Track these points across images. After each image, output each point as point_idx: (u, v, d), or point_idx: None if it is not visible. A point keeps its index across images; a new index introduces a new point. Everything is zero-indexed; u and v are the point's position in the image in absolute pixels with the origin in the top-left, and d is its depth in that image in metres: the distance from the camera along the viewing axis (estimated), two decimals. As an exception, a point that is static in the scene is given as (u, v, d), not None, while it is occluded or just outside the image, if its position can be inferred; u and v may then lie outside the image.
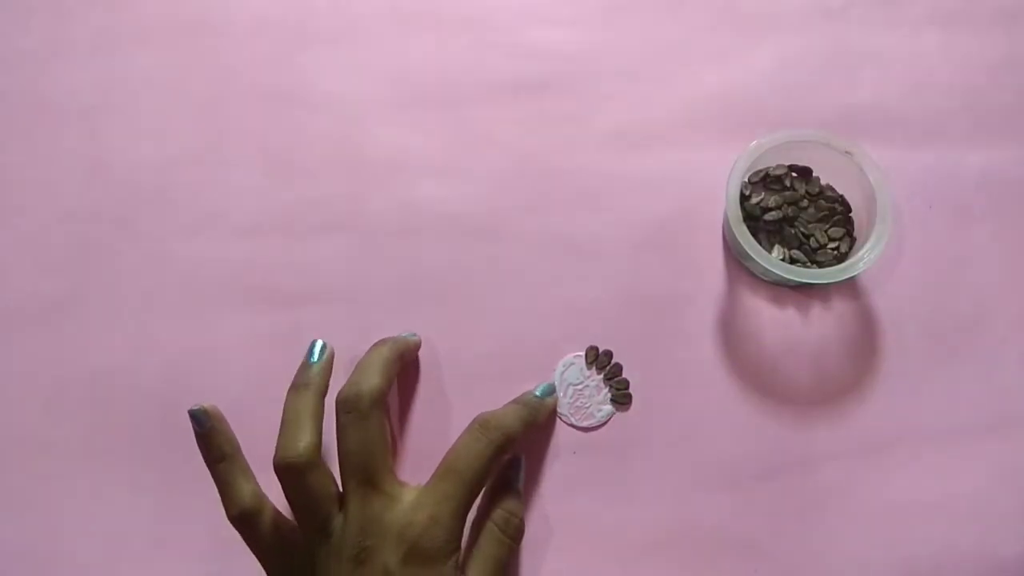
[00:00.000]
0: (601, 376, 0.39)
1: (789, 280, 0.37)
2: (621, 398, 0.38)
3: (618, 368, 0.39)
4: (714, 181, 0.42)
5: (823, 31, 0.45)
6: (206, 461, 0.33)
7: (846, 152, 0.38)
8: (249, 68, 0.45)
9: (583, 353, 0.39)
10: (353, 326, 0.40)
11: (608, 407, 0.38)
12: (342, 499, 0.32)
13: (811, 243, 0.39)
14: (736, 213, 0.36)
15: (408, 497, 0.33)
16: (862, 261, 0.36)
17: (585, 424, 0.38)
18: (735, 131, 0.43)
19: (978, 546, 0.36)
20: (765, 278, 0.39)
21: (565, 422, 0.38)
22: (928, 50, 0.45)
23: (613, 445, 0.38)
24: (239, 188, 0.43)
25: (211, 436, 0.33)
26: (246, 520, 0.32)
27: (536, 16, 0.46)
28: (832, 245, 0.39)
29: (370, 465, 0.32)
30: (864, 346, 0.39)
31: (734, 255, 0.40)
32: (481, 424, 0.34)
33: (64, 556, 0.37)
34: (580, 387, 0.39)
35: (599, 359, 0.39)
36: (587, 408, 0.38)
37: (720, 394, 0.39)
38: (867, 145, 0.43)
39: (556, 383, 0.39)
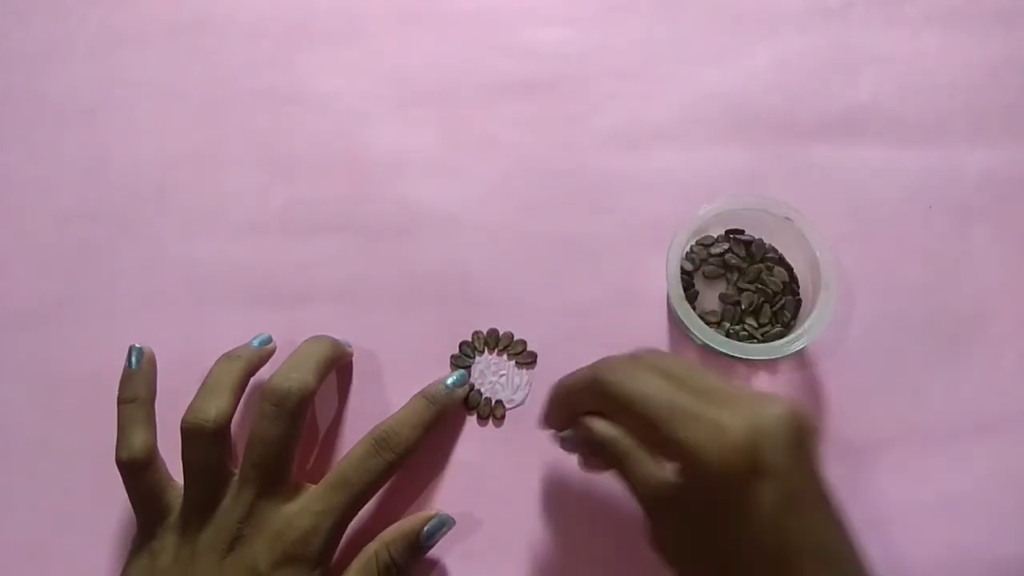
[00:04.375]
0: (504, 356, 0.39)
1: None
2: (525, 359, 0.39)
3: (509, 337, 0.40)
4: (714, 181, 0.42)
5: (823, 31, 0.45)
6: (118, 398, 0.34)
7: (785, 218, 0.37)
8: (249, 68, 0.45)
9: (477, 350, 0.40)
10: (353, 326, 0.40)
11: (523, 374, 0.39)
12: (231, 478, 0.33)
13: (743, 325, 0.39)
14: (678, 291, 0.36)
15: (297, 499, 0.33)
16: (799, 340, 0.35)
17: (517, 398, 0.39)
18: (735, 131, 0.43)
19: (978, 546, 0.36)
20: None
21: (512, 407, 0.39)
22: (928, 50, 0.45)
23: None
24: (238, 188, 0.43)
25: (135, 376, 0.35)
26: (131, 468, 0.33)
27: (536, 16, 0.46)
28: (761, 330, 0.38)
29: (275, 461, 0.32)
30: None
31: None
32: (376, 440, 0.34)
33: (64, 556, 0.37)
34: (501, 373, 0.39)
35: (500, 341, 0.40)
36: (514, 384, 0.39)
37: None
38: (867, 145, 0.43)
39: (479, 382, 0.39)
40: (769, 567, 0.26)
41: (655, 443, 0.28)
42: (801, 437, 0.27)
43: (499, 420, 0.39)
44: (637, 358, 0.30)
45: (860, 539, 0.29)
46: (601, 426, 0.30)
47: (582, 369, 0.31)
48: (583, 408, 0.31)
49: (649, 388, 0.28)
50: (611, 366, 0.30)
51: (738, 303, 0.39)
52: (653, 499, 0.29)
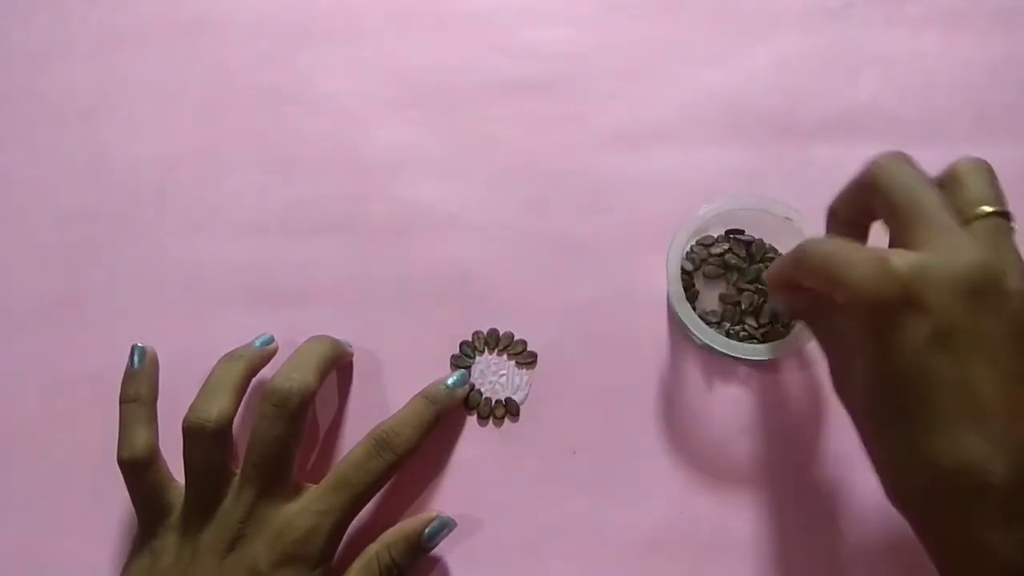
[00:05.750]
0: (504, 356, 0.39)
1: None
2: (525, 359, 0.39)
3: (509, 337, 0.40)
4: (714, 181, 0.42)
5: (823, 31, 0.45)
6: (120, 397, 0.34)
7: (785, 219, 0.37)
8: (249, 68, 0.45)
9: (477, 351, 0.40)
10: (353, 326, 0.40)
11: (523, 374, 0.39)
12: (232, 478, 0.33)
13: (743, 325, 0.38)
14: (678, 291, 0.36)
15: (298, 499, 0.33)
16: (800, 340, 0.35)
17: (517, 398, 0.39)
18: (735, 131, 0.43)
19: (978, 546, 0.36)
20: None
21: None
22: (928, 50, 0.45)
23: (612, 444, 0.38)
24: (238, 188, 0.43)
25: (137, 375, 0.35)
26: (132, 467, 0.33)
27: (536, 16, 0.46)
28: (761, 330, 0.38)
29: (276, 462, 0.33)
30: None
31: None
32: (377, 440, 0.34)
33: (64, 556, 0.37)
34: (501, 373, 0.39)
35: (500, 341, 0.40)
36: (514, 384, 0.39)
37: (723, 394, 0.39)
38: (867, 145, 0.43)
39: (479, 382, 0.39)
40: (911, 403, 0.25)
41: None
42: (980, 288, 0.25)
43: (499, 420, 0.39)
44: (871, 170, 0.30)
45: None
46: (789, 301, 0.33)
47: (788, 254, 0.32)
48: (790, 272, 0.31)
49: (833, 247, 0.28)
50: (807, 239, 0.30)
51: (738, 303, 0.39)
52: (827, 342, 0.31)
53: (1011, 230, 0.27)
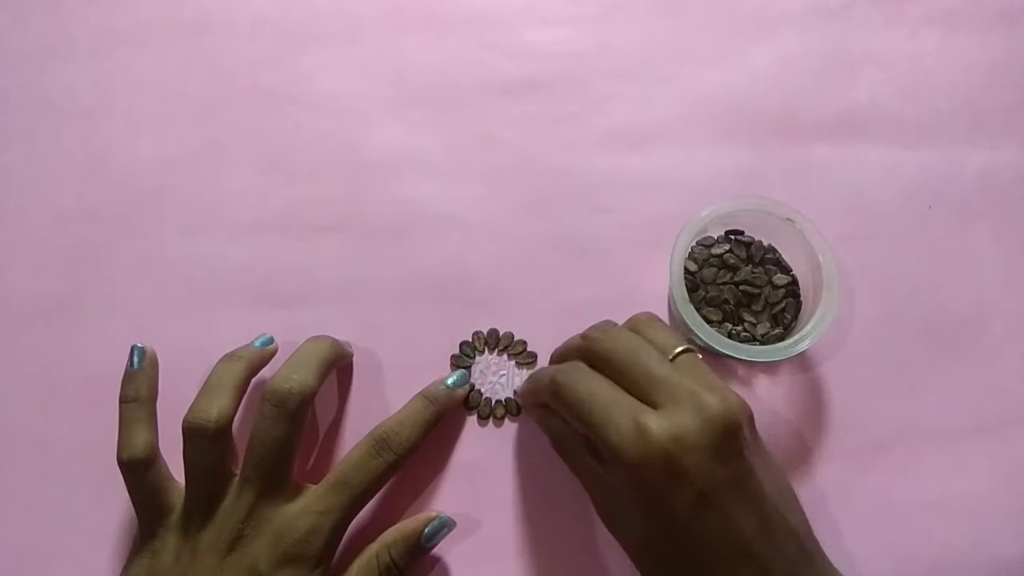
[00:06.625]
0: (504, 356, 0.40)
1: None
2: (525, 359, 0.40)
3: (509, 337, 0.40)
4: (714, 181, 0.42)
5: (823, 31, 0.45)
6: (120, 397, 0.34)
7: (787, 220, 0.37)
8: (249, 68, 0.45)
9: (476, 351, 0.40)
10: (352, 326, 0.40)
11: (523, 374, 0.39)
12: (232, 478, 0.33)
13: (744, 326, 0.38)
14: (682, 293, 0.36)
15: (298, 500, 0.33)
16: (803, 342, 0.35)
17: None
18: (735, 131, 0.43)
19: (978, 546, 0.36)
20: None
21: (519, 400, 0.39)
22: (928, 50, 0.45)
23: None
24: (238, 188, 0.43)
25: (137, 375, 0.35)
26: (132, 468, 0.33)
27: (536, 16, 0.46)
28: (758, 331, 0.38)
29: (276, 462, 0.33)
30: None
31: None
32: (377, 440, 0.34)
33: (64, 556, 0.37)
34: (501, 373, 0.39)
35: (500, 341, 0.40)
36: (514, 384, 0.39)
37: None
38: (867, 145, 0.43)
39: (479, 382, 0.39)
40: (687, 555, 0.28)
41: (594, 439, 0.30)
42: (726, 436, 0.28)
43: (499, 420, 0.39)
44: (587, 345, 0.33)
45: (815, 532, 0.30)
46: (555, 425, 0.34)
47: (545, 369, 0.35)
48: (545, 400, 0.33)
49: (590, 392, 0.30)
50: (564, 370, 0.32)
51: (738, 304, 0.39)
52: (590, 484, 0.33)
53: (699, 357, 0.31)
